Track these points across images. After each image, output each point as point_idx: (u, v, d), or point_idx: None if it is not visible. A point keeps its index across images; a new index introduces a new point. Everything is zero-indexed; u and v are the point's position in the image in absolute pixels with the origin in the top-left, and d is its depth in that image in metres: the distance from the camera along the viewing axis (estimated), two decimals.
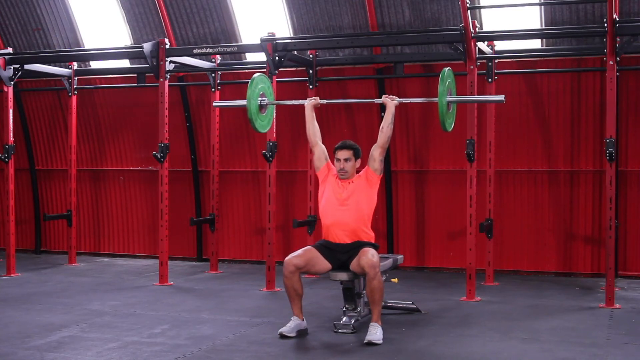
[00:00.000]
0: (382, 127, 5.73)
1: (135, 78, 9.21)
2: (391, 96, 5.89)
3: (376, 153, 5.72)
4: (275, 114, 7.53)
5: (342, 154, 5.75)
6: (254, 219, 9.61)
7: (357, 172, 5.83)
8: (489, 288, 7.67)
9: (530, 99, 8.57)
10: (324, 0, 8.89)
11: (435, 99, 5.65)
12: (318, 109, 8.52)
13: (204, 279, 8.50)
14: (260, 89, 5.98)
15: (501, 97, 6.06)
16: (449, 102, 5.74)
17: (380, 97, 8.73)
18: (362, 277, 5.64)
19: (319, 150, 5.88)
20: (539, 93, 8.54)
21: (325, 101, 6.20)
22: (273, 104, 6.20)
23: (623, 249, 8.29)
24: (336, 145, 5.83)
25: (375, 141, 5.79)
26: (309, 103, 5.97)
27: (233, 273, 8.91)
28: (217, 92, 9.10)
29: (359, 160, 5.84)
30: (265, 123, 6.17)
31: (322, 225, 5.79)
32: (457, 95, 6.04)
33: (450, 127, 5.89)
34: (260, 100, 5.99)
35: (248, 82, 9.24)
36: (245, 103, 5.86)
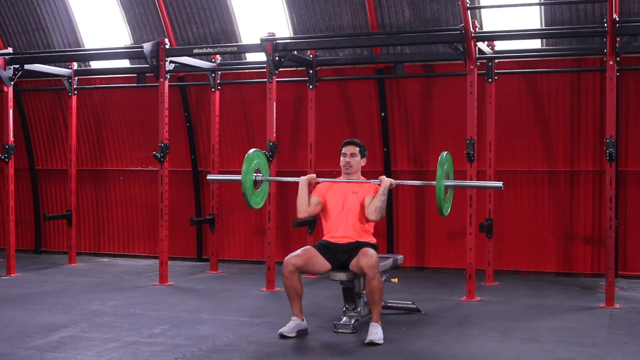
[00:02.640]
0: (372, 202, 5.62)
1: (135, 78, 9.21)
2: (389, 179, 5.74)
3: (365, 213, 5.65)
4: (275, 114, 7.58)
5: (349, 149, 5.79)
6: (254, 219, 9.60)
7: (363, 174, 5.85)
8: (489, 288, 7.67)
9: (530, 99, 8.57)
10: (324, 0, 8.89)
11: (433, 183, 5.54)
12: (318, 110, 8.63)
13: (204, 279, 8.50)
14: (256, 164, 5.85)
15: (499, 184, 5.90)
16: (446, 187, 5.58)
17: (381, 97, 8.89)
18: (362, 277, 5.64)
19: (312, 210, 5.78)
20: (539, 93, 8.54)
21: (321, 180, 5.98)
22: (268, 180, 6.05)
23: (623, 249, 8.29)
24: (343, 142, 5.87)
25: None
26: (304, 178, 5.84)
27: (233, 273, 8.91)
28: (217, 92, 9.10)
29: (364, 160, 5.87)
30: (259, 199, 5.98)
31: (324, 225, 5.80)
32: (454, 179, 5.82)
33: (447, 211, 5.71)
34: (255, 176, 5.85)
35: (248, 82, 9.42)
36: (239, 178, 5.74)
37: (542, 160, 8.59)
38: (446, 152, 5.64)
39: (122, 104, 10.18)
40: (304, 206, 5.77)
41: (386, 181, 5.66)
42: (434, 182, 5.50)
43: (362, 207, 5.67)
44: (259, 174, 5.88)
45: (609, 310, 6.52)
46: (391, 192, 8.95)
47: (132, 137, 10.20)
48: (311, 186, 5.87)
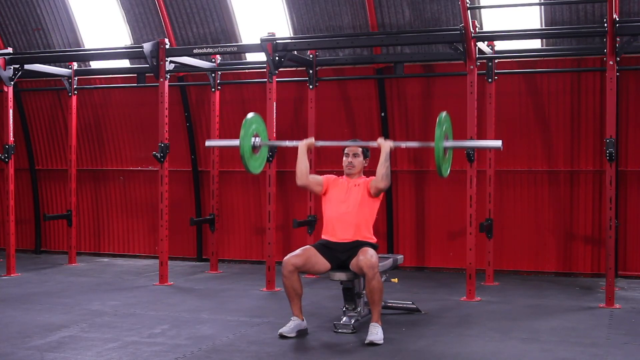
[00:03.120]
0: (377, 169, 5.64)
1: (135, 78, 9.21)
2: (388, 139, 5.76)
3: (372, 188, 5.68)
4: (275, 114, 7.58)
5: (351, 149, 5.81)
6: (254, 219, 9.61)
7: (365, 173, 5.86)
8: (489, 288, 7.67)
9: (530, 99, 8.57)
10: (324, 0, 8.90)
11: (432, 144, 5.50)
12: (318, 109, 8.63)
13: (204, 279, 8.50)
14: (254, 129, 5.81)
15: (498, 143, 5.88)
16: (445, 148, 5.56)
17: (381, 97, 8.89)
18: (361, 277, 5.64)
19: (312, 182, 5.81)
20: (539, 93, 8.54)
21: (320, 143, 6.02)
22: (267, 145, 6.01)
23: (623, 249, 8.29)
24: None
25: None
26: (303, 143, 5.84)
27: (233, 273, 8.91)
28: (217, 92, 9.10)
29: (367, 160, 5.87)
30: (258, 164, 5.95)
31: (324, 223, 5.80)
32: (453, 139, 5.82)
33: (447, 172, 5.70)
34: (254, 141, 5.80)
35: (248, 82, 9.42)
36: (237, 143, 5.68)
37: (542, 160, 8.59)
38: (444, 113, 5.61)
39: (122, 104, 10.18)
40: (303, 172, 5.76)
41: (386, 146, 5.66)
42: (433, 143, 5.46)
43: (365, 195, 5.67)
44: (257, 139, 5.83)
45: (609, 310, 6.52)
46: (391, 192, 9.03)
47: (132, 137, 10.20)
48: (310, 152, 5.85)
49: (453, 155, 5.98)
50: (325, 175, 5.90)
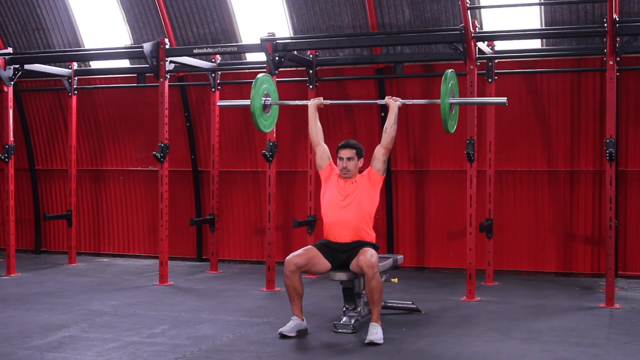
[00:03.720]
0: (386, 128, 5.76)
1: (135, 78, 9.21)
2: (394, 97, 5.88)
3: (379, 153, 5.74)
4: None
5: (345, 153, 5.78)
6: (254, 219, 9.61)
7: (360, 172, 5.84)
8: (489, 288, 7.67)
9: (530, 99, 8.57)
10: (324, 0, 8.89)
11: (438, 101, 5.64)
12: (318, 109, 8.61)
13: (204, 279, 8.50)
14: (265, 89, 5.98)
15: (503, 100, 6.03)
16: (451, 104, 5.70)
17: (381, 98, 8.88)
18: (362, 277, 5.64)
19: (321, 149, 5.89)
20: (539, 93, 8.54)
21: (328, 101, 6.20)
22: (277, 104, 6.18)
23: (623, 249, 8.29)
24: (339, 144, 5.85)
25: (376, 141, 5.79)
26: (312, 103, 5.99)
27: (233, 273, 8.91)
28: (217, 92, 9.10)
29: (361, 160, 5.87)
30: (269, 123, 6.17)
31: (324, 224, 5.79)
32: (459, 97, 5.99)
33: (453, 128, 5.85)
34: (264, 100, 5.99)
35: (248, 82, 9.37)
36: (249, 103, 5.86)
37: (542, 160, 8.59)
38: (451, 70, 5.75)
39: (122, 104, 10.18)
40: (313, 133, 5.90)
41: (394, 105, 5.78)
42: (439, 100, 5.59)
43: (366, 186, 5.67)
44: (268, 98, 6.00)
45: (609, 310, 6.52)
46: (391, 192, 9.03)
47: (132, 137, 10.20)
48: (320, 108, 5.94)
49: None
50: (331, 162, 5.89)
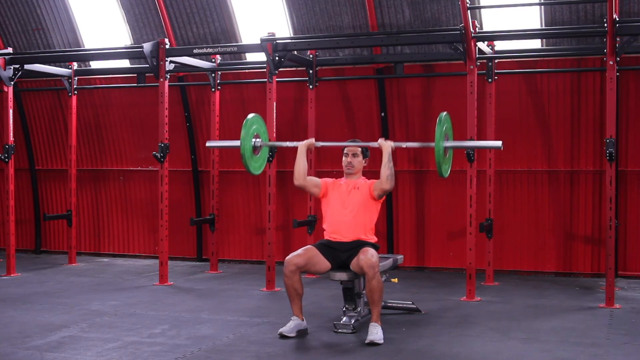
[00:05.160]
0: (381, 170, 5.64)
1: (135, 78, 9.21)
2: (388, 140, 5.76)
3: (376, 190, 5.67)
4: (275, 114, 7.58)
5: (351, 149, 5.81)
6: (254, 219, 9.61)
7: (364, 174, 5.86)
8: (489, 288, 7.67)
9: (530, 99, 8.57)
10: (324, 0, 8.89)
11: (432, 144, 5.50)
12: (318, 110, 8.63)
13: (204, 279, 8.50)
14: (255, 129, 5.83)
15: (498, 144, 5.91)
16: (445, 148, 5.57)
17: (381, 97, 8.89)
18: (362, 277, 5.64)
19: (309, 184, 5.81)
20: (539, 93, 8.54)
21: (320, 143, 6.05)
22: (267, 146, 6.04)
23: (623, 249, 8.29)
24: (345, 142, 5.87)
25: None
26: (303, 143, 5.86)
27: (233, 273, 8.91)
28: (217, 92, 9.10)
29: (366, 160, 5.87)
30: (259, 165, 5.99)
31: (325, 225, 5.80)
32: (453, 139, 5.85)
33: (447, 172, 5.73)
34: (254, 141, 5.83)
35: (248, 82, 9.42)
36: (238, 144, 5.71)
37: (542, 160, 8.59)
38: (445, 113, 5.63)
39: (122, 104, 10.18)
40: (301, 172, 5.76)
41: (387, 146, 5.67)
42: (433, 144, 5.47)
43: (367, 198, 5.67)
44: (258, 139, 5.86)
45: (609, 310, 6.52)
46: (391, 192, 9.00)
47: (132, 137, 10.20)
48: (310, 152, 5.86)
49: (454, 155, 5.98)
50: (324, 179, 5.89)
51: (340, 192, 5.76)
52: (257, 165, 5.95)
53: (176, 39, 9.54)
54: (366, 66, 8.93)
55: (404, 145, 6.21)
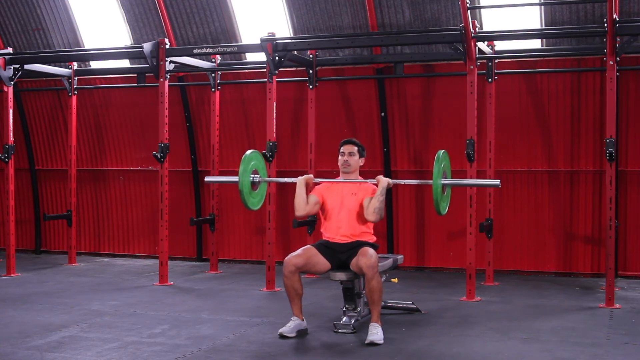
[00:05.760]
0: (371, 203, 5.60)
1: (135, 78, 9.21)
2: (386, 178, 5.73)
3: (365, 211, 5.63)
4: (275, 114, 7.57)
5: (347, 148, 5.80)
6: (254, 219, 9.60)
7: (361, 174, 5.86)
8: (489, 288, 7.67)
9: (530, 99, 8.57)
10: (324, 0, 8.89)
11: (430, 182, 5.50)
12: (318, 110, 8.63)
13: (204, 279, 8.50)
14: (253, 165, 5.82)
15: (497, 182, 5.91)
16: (443, 185, 5.55)
17: (381, 97, 8.89)
18: (361, 277, 5.64)
19: (311, 208, 5.76)
20: (539, 93, 8.54)
21: (318, 180, 5.99)
22: (266, 181, 6.03)
23: (623, 249, 8.29)
24: (341, 141, 5.87)
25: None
26: (301, 179, 5.84)
27: (233, 273, 8.91)
28: (217, 92, 9.10)
29: (363, 160, 5.87)
30: (257, 201, 5.95)
31: (323, 225, 5.80)
32: (452, 177, 5.83)
33: (445, 210, 5.69)
34: (253, 177, 5.82)
35: (248, 82, 9.42)
36: (237, 180, 5.70)
37: (542, 160, 8.59)
38: (443, 151, 5.63)
39: (122, 104, 10.18)
40: (302, 205, 5.75)
41: (384, 181, 5.66)
42: (431, 182, 5.47)
43: (361, 208, 5.67)
44: (256, 175, 5.87)
45: (609, 310, 6.52)
46: (390, 192, 9.02)
47: (132, 137, 10.20)
48: (309, 186, 5.87)
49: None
50: (316, 189, 5.86)
51: (335, 196, 5.75)
52: (255, 200, 5.91)
53: (176, 39, 9.54)
54: (366, 66, 8.93)
55: (402, 182, 6.24)
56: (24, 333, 5.65)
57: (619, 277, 8.13)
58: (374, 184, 5.70)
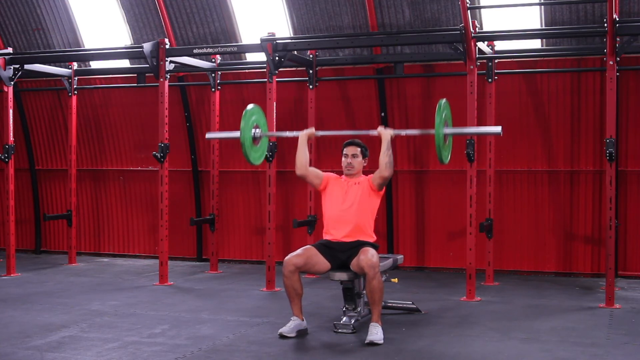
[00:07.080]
0: (379, 158, 5.64)
1: (135, 78, 9.21)
2: (387, 128, 5.76)
3: (377, 178, 5.67)
4: (275, 114, 7.57)
5: (350, 150, 5.81)
6: (254, 219, 9.61)
7: (365, 173, 5.85)
8: (489, 288, 7.67)
9: (530, 99, 8.57)
10: (324, 0, 8.90)
11: (432, 131, 5.52)
12: (318, 109, 8.63)
13: (204, 279, 8.50)
14: (254, 120, 5.84)
15: (498, 129, 5.95)
16: (445, 134, 5.58)
17: (381, 97, 8.89)
18: (362, 277, 5.64)
19: (311, 174, 5.83)
20: (539, 93, 8.54)
21: (320, 133, 6.05)
22: (267, 136, 6.05)
23: (623, 249, 8.29)
24: (344, 142, 5.88)
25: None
26: (304, 133, 5.87)
27: (233, 273, 8.91)
28: (217, 92, 9.10)
29: (366, 160, 5.88)
30: (259, 155, 5.99)
31: (324, 222, 5.80)
32: (453, 125, 5.85)
33: (447, 159, 5.75)
34: (254, 132, 5.84)
35: (248, 82, 9.42)
36: (238, 135, 5.72)
37: (542, 160, 8.59)
38: (444, 100, 5.62)
39: (122, 104, 10.18)
40: (302, 162, 5.78)
41: (386, 134, 5.66)
42: (433, 131, 5.49)
43: (367, 191, 5.66)
44: (257, 130, 5.88)
45: (609, 310, 6.52)
46: (391, 192, 9.03)
47: (132, 137, 10.20)
48: (311, 140, 5.86)
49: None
50: (326, 173, 5.91)
51: (340, 187, 5.76)
52: (257, 155, 5.97)
53: (176, 39, 9.54)
54: (366, 66, 8.93)
55: (404, 133, 6.20)
56: (24, 333, 5.65)
57: (619, 277, 8.13)
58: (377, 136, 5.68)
